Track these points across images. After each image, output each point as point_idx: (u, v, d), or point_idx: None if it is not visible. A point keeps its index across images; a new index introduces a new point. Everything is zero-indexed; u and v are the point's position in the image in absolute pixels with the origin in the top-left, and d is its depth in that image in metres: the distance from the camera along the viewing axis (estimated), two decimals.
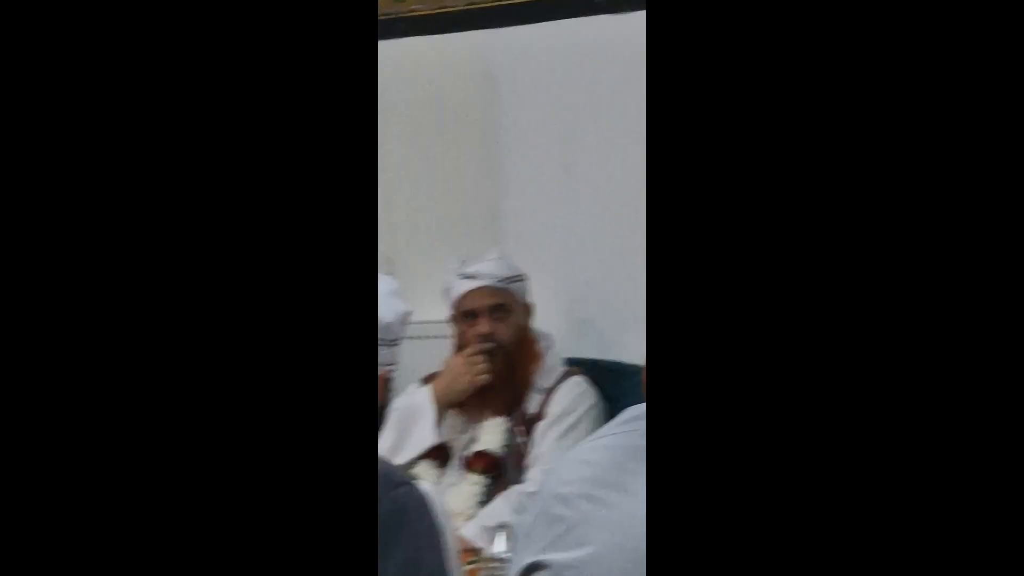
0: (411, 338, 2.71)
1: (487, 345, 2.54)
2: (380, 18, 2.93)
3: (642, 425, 1.38)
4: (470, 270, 2.57)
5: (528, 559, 1.37)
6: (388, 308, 1.78)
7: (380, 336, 1.79)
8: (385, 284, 1.76)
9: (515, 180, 3.08)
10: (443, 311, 2.78)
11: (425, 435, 2.62)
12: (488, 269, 2.57)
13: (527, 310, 2.61)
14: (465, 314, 2.57)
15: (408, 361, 2.64)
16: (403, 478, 1.10)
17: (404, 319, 1.84)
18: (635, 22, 2.63)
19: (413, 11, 3.09)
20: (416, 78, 3.14)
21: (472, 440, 2.56)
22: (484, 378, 2.51)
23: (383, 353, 1.80)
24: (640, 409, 1.43)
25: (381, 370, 1.76)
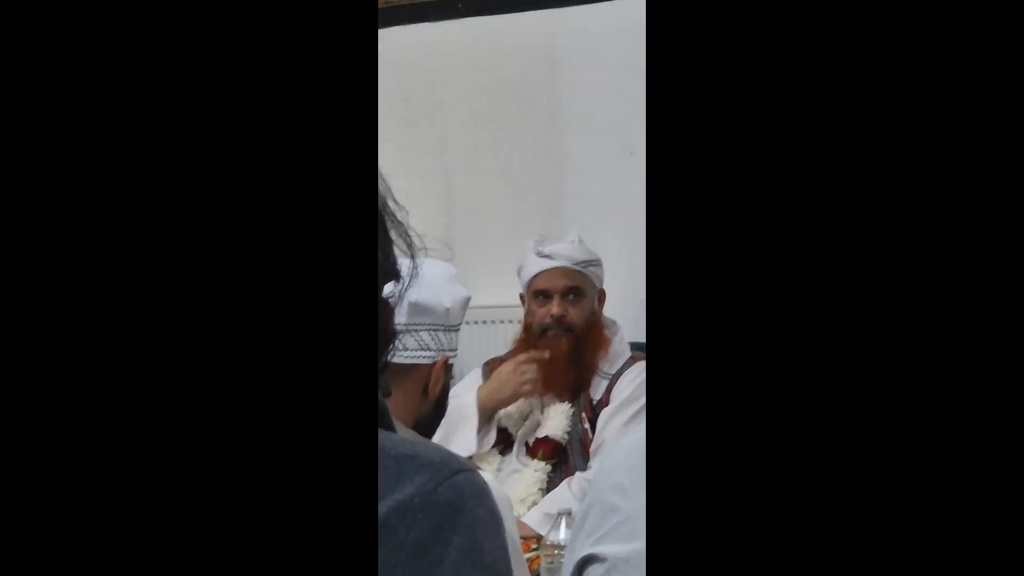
0: (474, 323, 2.76)
1: (548, 341, 2.48)
2: None
3: None
4: (547, 249, 2.51)
5: (583, 551, 1.37)
6: (448, 293, 1.78)
7: (440, 322, 1.78)
8: (445, 270, 1.76)
9: (578, 163, 3.07)
10: (504, 296, 2.76)
11: (466, 443, 2.58)
12: (566, 250, 2.51)
13: (601, 296, 2.56)
14: (537, 293, 2.52)
15: (469, 346, 2.77)
16: (463, 465, 1.01)
17: (464, 304, 1.83)
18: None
19: None
20: (475, 60, 3.15)
21: (536, 425, 2.50)
22: (530, 388, 2.47)
23: (444, 339, 1.78)
24: None
25: (441, 356, 1.76)
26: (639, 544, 1.25)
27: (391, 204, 0.95)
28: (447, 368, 1.80)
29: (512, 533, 1.41)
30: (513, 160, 3.13)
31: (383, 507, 0.87)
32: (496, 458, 2.51)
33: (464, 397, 2.59)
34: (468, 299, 1.84)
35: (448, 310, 1.78)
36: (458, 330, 1.86)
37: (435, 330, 1.86)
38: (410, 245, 0.96)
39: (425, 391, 1.78)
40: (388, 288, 1.00)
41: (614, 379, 2.48)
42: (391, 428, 0.95)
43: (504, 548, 0.99)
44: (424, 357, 1.77)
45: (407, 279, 0.97)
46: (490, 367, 2.62)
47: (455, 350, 1.87)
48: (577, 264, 2.50)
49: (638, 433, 1.48)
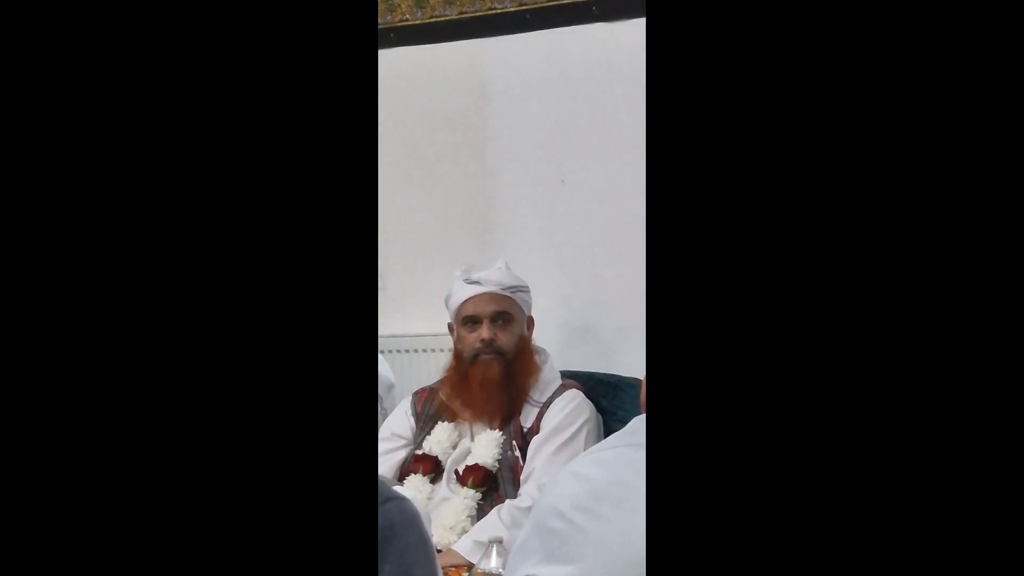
0: (404, 351, 2.83)
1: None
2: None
3: (639, 439, 1.34)
4: (475, 276, 2.55)
5: (521, 573, 1.39)
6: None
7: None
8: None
9: (509, 191, 3.09)
10: (433, 326, 2.76)
11: None
12: (494, 276, 2.55)
13: (530, 323, 2.61)
14: (466, 320, 2.55)
15: (400, 375, 2.98)
16: (392, 493, 1.10)
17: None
18: (630, 31, 2.76)
19: (404, 21, 3.13)
20: (407, 89, 3.17)
21: (467, 453, 2.52)
22: None
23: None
24: (636, 425, 1.41)
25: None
26: (575, 567, 1.33)
27: None
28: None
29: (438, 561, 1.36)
30: (444, 189, 3.18)
31: None
32: (427, 486, 2.50)
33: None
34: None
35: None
36: (381, 405, 2.14)
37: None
38: None
39: None
40: None
41: (544, 407, 2.49)
42: None
43: (434, 573, 1.06)
44: None
45: None
46: (420, 396, 2.65)
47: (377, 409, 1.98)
48: (505, 289, 2.53)
49: (580, 459, 1.62)
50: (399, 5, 3.20)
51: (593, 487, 1.42)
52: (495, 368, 2.52)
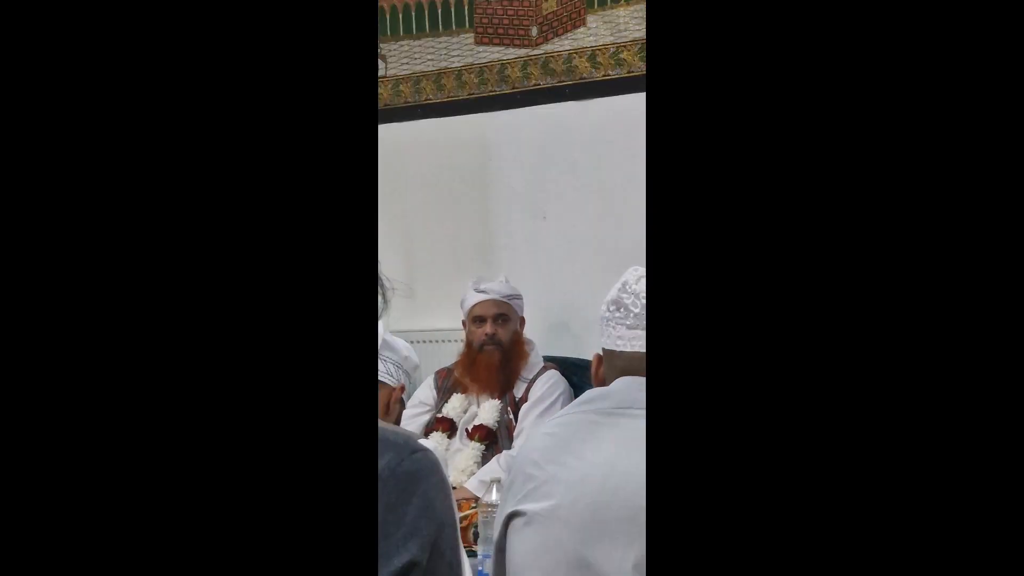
0: (428, 342, 3.33)
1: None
2: (402, 105, 3.61)
3: (593, 406, 1.54)
4: (482, 287, 2.99)
5: (509, 508, 1.54)
6: (405, 349, 2.19)
7: (399, 362, 2.12)
8: (406, 344, 2.23)
9: (505, 225, 3.57)
10: (451, 323, 3.20)
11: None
12: (496, 287, 2.98)
13: (521, 322, 3.02)
14: (475, 319, 2.97)
15: (425, 360, 2.93)
16: (418, 446, 1.17)
17: (414, 367, 2.25)
18: (592, 107, 3.30)
19: (428, 100, 3.61)
20: (430, 150, 3.61)
21: (474, 416, 2.95)
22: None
23: (401, 375, 2.16)
24: (593, 393, 1.58)
25: (399, 385, 2.12)
26: (548, 503, 1.47)
27: (380, 281, 1.07)
28: (401, 400, 2.19)
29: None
30: (456, 223, 3.63)
31: (383, 463, 0.99)
32: (445, 441, 2.93)
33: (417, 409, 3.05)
34: (417, 365, 2.28)
35: (407, 358, 2.19)
36: (409, 380, 2.29)
37: (397, 365, 2.21)
38: (381, 285, 1.08)
39: (387, 409, 2.14)
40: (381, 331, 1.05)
41: (531, 383, 2.95)
42: None
43: (451, 508, 1.11)
44: (389, 379, 2.16)
45: (381, 309, 1.09)
46: (440, 374, 3.08)
47: (405, 389, 2.25)
48: (504, 297, 2.98)
49: (549, 422, 1.83)
50: (424, 88, 3.64)
51: (558, 442, 1.55)
52: (496, 355, 2.94)
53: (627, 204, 3.15)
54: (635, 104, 2.99)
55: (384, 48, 3.70)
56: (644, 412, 1.37)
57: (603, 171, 3.25)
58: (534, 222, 3.50)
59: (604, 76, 3.37)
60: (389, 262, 1.10)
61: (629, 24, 3.23)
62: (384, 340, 2.24)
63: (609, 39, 3.35)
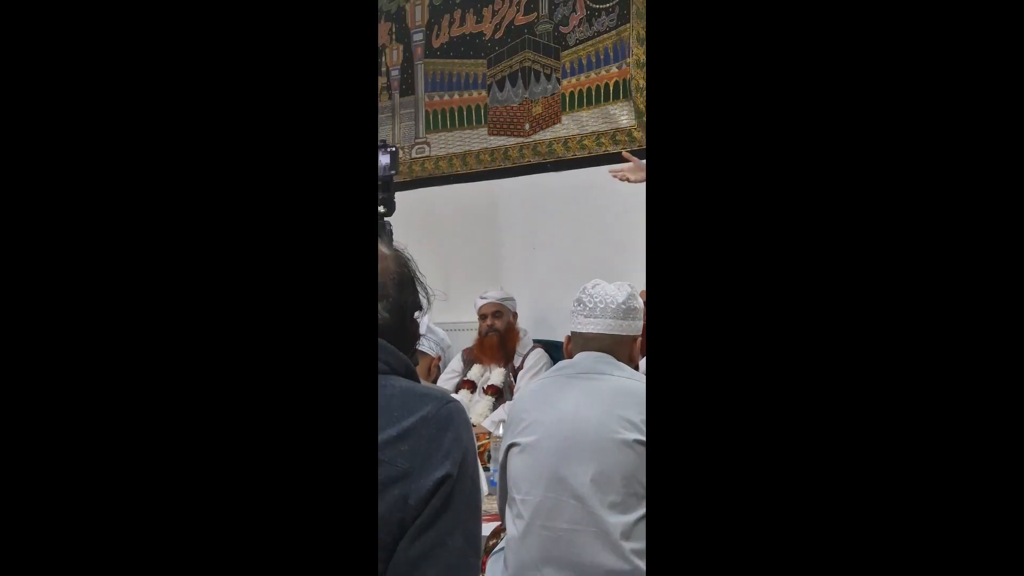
0: (457, 330, 4.36)
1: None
2: (441, 175, 4.57)
3: (563, 372, 1.90)
4: (486, 294, 3.78)
5: (508, 441, 1.90)
6: (440, 333, 2.96)
7: (437, 341, 2.97)
8: (441, 330, 3.00)
9: (507, 252, 4.33)
10: (472, 316, 3.92)
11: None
12: (493, 294, 3.75)
13: (514, 316, 3.77)
14: (480, 316, 3.74)
15: (456, 343, 3.88)
16: (451, 398, 1.21)
17: (447, 345, 2.91)
18: (566, 175, 4.05)
19: (457, 171, 4.54)
20: (458, 204, 4.48)
21: (487, 379, 3.69)
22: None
23: (438, 348, 3.01)
24: (564, 363, 1.94)
25: (437, 355, 3.07)
26: (533, 437, 1.82)
27: (418, 273, 1.23)
28: (438, 367, 3.01)
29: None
30: (475, 251, 4.36)
31: (413, 419, 1.13)
32: (469, 396, 3.66)
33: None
34: (449, 345, 3.00)
35: (442, 339, 2.99)
36: (444, 355, 3.01)
37: (436, 344, 3.00)
38: (426, 291, 1.24)
39: (428, 372, 2.94)
40: (418, 313, 1.25)
41: (524, 357, 3.70)
42: (416, 380, 1.19)
43: (472, 440, 1.23)
44: (431, 351, 3.04)
45: (425, 308, 1.25)
46: (465, 352, 3.80)
47: (442, 359, 3.12)
48: (498, 299, 3.73)
49: (533, 382, 2.42)
50: (455, 163, 4.53)
51: (540, 395, 1.92)
52: (495, 339, 3.69)
53: (590, 239, 4.04)
54: (594, 174, 3.83)
55: (429, 137, 4.60)
56: (599, 375, 1.86)
57: (573, 218, 4.25)
58: (526, 251, 4.33)
59: (572, 155, 4.19)
60: (432, 275, 1.21)
61: (589, 121, 4.12)
62: (429, 327, 3.06)
63: (576, 131, 4.20)
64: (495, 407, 3.63)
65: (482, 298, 3.79)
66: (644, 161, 2.90)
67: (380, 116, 4.78)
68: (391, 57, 4.82)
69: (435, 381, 3.33)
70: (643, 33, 3.89)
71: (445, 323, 3.84)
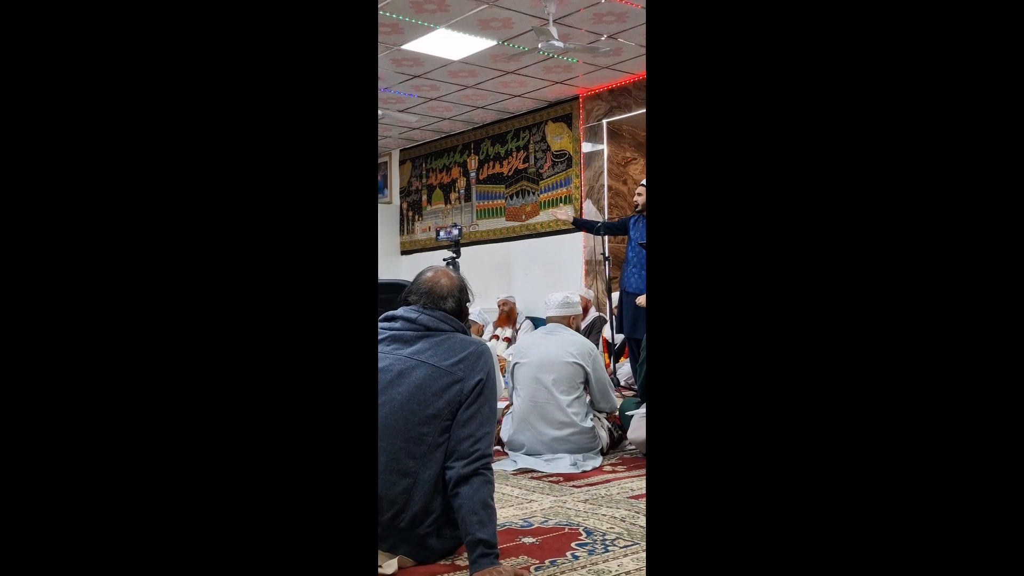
0: (489, 311, 9.94)
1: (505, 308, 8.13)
2: (482, 240, 9.94)
3: (541, 332, 3.93)
4: (503, 296, 8.12)
5: (513, 362, 3.87)
6: (480, 315, 7.48)
7: (479, 318, 7.90)
8: (482, 312, 7.89)
9: (516, 277, 8.79)
10: (494, 306, 8.66)
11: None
12: (504, 297, 8.02)
13: (514, 307, 7.98)
14: (501, 305, 8.00)
15: (490, 317, 8.88)
16: (483, 342, 1.87)
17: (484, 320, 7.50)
18: (541, 241, 8.77)
19: (489, 238, 9.21)
20: (489, 255, 8.99)
21: (504, 334, 7.86)
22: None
23: (481, 321, 7.86)
24: (543, 328, 3.93)
25: (479, 325, 8.00)
26: (527, 360, 3.85)
27: (468, 286, 2.35)
28: (481, 330, 7.48)
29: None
30: (497, 277, 8.56)
31: (465, 352, 2.16)
32: (495, 342, 7.73)
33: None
34: (488, 320, 7.32)
35: (484, 317, 7.37)
36: (486, 321, 7.49)
37: (481, 318, 7.76)
38: (471, 295, 2.36)
39: (478, 331, 7.75)
40: (468, 304, 2.32)
41: (521, 325, 7.91)
42: (468, 335, 2.21)
43: (495, 362, 2.77)
44: (479, 320, 7.87)
45: (472, 302, 2.37)
46: (494, 324, 8.06)
47: (484, 326, 7.79)
48: (508, 298, 8.11)
49: (525, 336, 6.20)
50: (489, 234, 9.07)
51: (530, 341, 3.89)
52: (505, 316, 7.83)
53: (550, 271, 8.41)
54: (555, 240, 8.31)
55: (478, 222, 9.26)
56: (556, 333, 3.79)
57: (544, 260, 8.85)
58: (522, 277, 8.52)
59: (545, 230, 8.50)
60: (476, 287, 2.16)
61: (557, 213, 8.49)
62: (480, 311, 7.55)
63: (546, 220, 8.52)
64: (508, 348, 7.43)
65: (500, 298, 8.17)
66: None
67: (454, 210, 9.50)
68: (461, 183, 9.68)
69: (481, 335, 7.29)
70: (580, 174, 8.31)
71: (485, 308, 7.94)
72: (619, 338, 6.07)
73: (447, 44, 6.59)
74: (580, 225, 6.15)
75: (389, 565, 2.12)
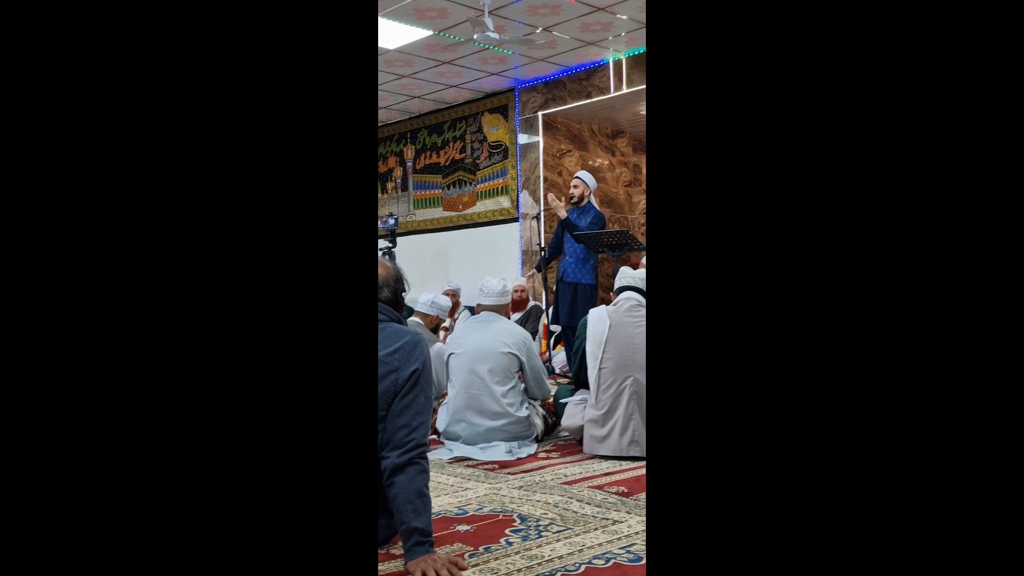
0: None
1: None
2: (419, 230, 10.01)
3: (476, 320, 3.98)
4: (451, 287, 7.69)
5: (448, 352, 3.82)
6: (441, 302, 5.10)
7: (434, 311, 5.22)
8: (441, 296, 5.36)
9: (453, 268, 9.03)
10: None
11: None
12: (451, 286, 7.85)
13: (457, 299, 8.73)
14: (446, 294, 8.26)
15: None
16: (417, 332, 1.64)
17: (445, 308, 5.06)
18: (479, 231, 8.93)
19: (426, 228, 9.38)
20: (426, 245, 9.21)
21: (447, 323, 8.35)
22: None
23: (439, 311, 5.16)
24: (479, 316, 3.96)
25: (437, 316, 5.25)
26: (462, 350, 3.87)
27: (404, 275, 2.29)
28: (437, 320, 5.13)
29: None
30: (435, 267, 8.72)
31: (400, 342, 2.11)
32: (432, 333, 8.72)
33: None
34: (447, 306, 4.97)
35: (442, 307, 4.98)
36: (445, 313, 5.13)
37: (437, 308, 5.05)
38: (407, 285, 2.30)
39: (431, 323, 5.11)
40: (403, 294, 2.24)
41: (460, 314, 7.87)
42: (404, 324, 2.19)
43: (429, 353, 2.08)
44: (432, 312, 5.13)
45: (407, 292, 2.30)
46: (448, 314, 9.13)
47: (439, 316, 5.18)
48: (452, 287, 7.77)
49: (463, 323, 4.46)
50: (426, 224, 9.09)
51: (465, 329, 3.93)
52: (450, 308, 8.40)
53: (486, 260, 8.42)
54: (491, 231, 8.34)
55: (415, 211, 9.43)
56: (491, 323, 3.82)
57: (480, 250, 8.96)
58: (460, 267, 8.70)
59: (482, 221, 8.69)
60: (412, 278, 2.18)
61: (489, 205, 8.60)
62: (434, 300, 4.90)
63: (483, 210, 8.74)
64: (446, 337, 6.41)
65: (447, 288, 8.15)
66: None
67: (391, 199, 9.53)
68: (398, 172, 9.75)
69: (436, 328, 5.17)
70: (515, 164, 8.44)
71: (435, 301, 8.42)
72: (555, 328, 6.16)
73: (383, 33, 6.60)
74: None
75: None
